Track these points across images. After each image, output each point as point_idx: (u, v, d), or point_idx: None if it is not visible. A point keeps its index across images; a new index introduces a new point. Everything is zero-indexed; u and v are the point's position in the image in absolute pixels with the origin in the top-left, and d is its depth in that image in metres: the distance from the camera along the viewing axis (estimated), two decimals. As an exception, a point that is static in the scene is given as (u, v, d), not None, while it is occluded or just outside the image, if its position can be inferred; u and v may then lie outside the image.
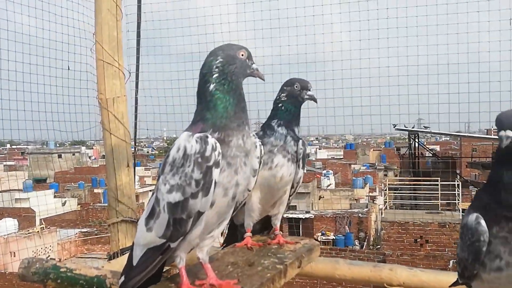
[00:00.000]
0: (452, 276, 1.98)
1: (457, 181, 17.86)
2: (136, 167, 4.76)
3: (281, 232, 2.34)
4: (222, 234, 2.30)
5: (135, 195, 3.91)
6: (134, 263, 1.68)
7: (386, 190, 18.91)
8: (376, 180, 35.49)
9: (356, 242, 22.97)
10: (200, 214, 1.58)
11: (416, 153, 22.76)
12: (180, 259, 1.66)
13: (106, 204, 4.18)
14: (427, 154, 26.59)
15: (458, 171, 23.82)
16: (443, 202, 17.26)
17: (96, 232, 21.76)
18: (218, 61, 1.67)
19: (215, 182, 1.56)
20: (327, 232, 24.10)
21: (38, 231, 18.55)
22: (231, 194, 1.65)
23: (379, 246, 18.94)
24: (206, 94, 1.65)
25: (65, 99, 4.48)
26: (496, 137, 1.55)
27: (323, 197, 29.87)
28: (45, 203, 23.66)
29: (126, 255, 1.86)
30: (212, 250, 1.89)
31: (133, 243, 1.76)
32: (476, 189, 19.59)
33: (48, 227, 20.13)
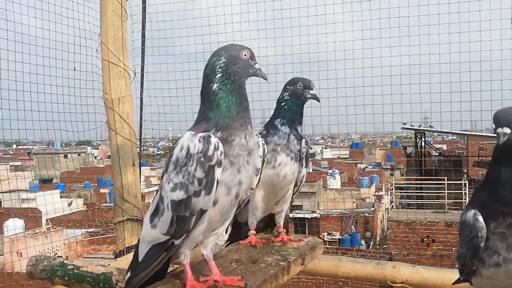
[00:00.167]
0: (455, 274, 1.99)
1: (464, 180, 17.77)
2: (142, 167, 4.79)
3: (284, 230, 2.36)
4: (226, 231, 2.33)
5: (141, 195, 3.95)
6: (140, 259, 1.72)
7: (392, 189, 18.80)
8: (382, 179, 35.24)
9: (363, 242, 22.88)
10: (203, 212, 1.60)
11: (423, 152, 22.66)
12: (185, 255, 1.69)
13: (112, 204, 4.22)
14: (434, 153, 26.44)
15: (465, 170, 23.71)
16: (450, 201, 17.16)
17: (102, 232, 21.77)
18: (221, 61, 1.69)
19: (218, 181, 1.58)
20: (333, 231, 24.02)
21: (44, 231, 18.60)
22: (234, 192, 1.66)
23: (385, 246, 18.85)
24: (209, 93, 1.67)
25: (71, 99, 4.50)
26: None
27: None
28: (51, 203, 23.73)
29: (132, 253, 1.88)
30: (216, 248, 1.92)
31: (138, 240, 1.79)
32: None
33: (55, 227, 20.15)
